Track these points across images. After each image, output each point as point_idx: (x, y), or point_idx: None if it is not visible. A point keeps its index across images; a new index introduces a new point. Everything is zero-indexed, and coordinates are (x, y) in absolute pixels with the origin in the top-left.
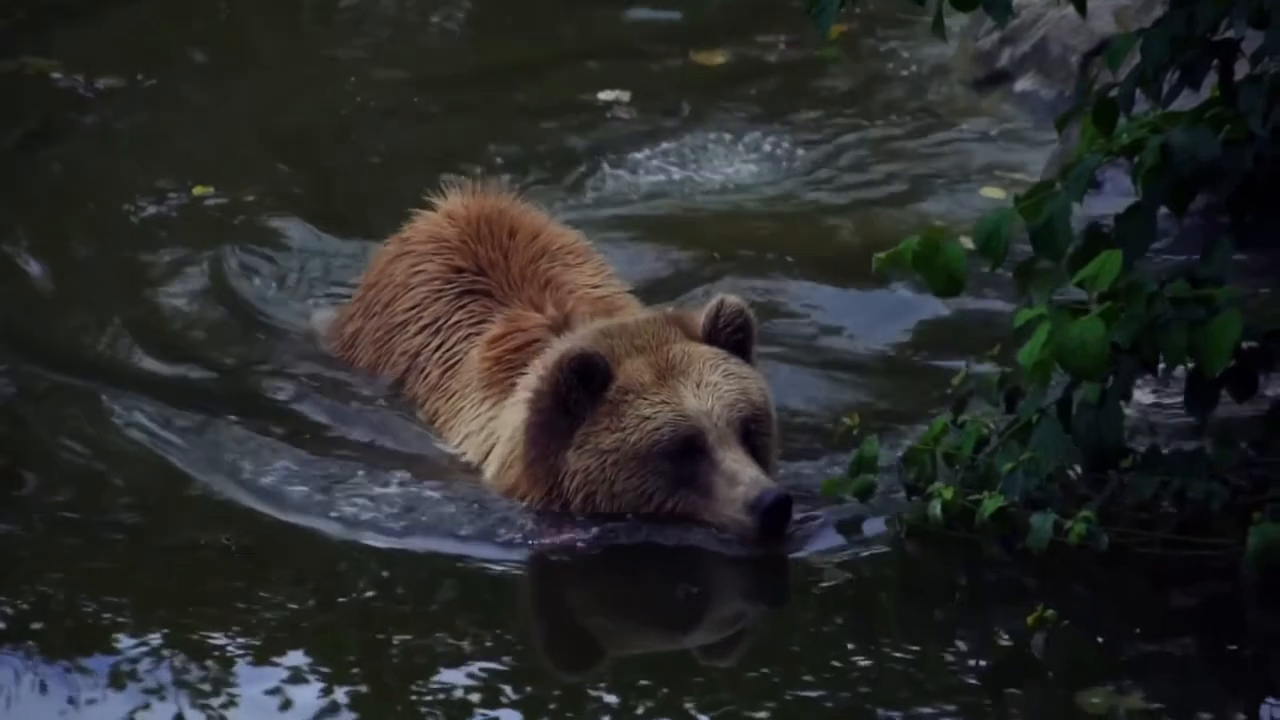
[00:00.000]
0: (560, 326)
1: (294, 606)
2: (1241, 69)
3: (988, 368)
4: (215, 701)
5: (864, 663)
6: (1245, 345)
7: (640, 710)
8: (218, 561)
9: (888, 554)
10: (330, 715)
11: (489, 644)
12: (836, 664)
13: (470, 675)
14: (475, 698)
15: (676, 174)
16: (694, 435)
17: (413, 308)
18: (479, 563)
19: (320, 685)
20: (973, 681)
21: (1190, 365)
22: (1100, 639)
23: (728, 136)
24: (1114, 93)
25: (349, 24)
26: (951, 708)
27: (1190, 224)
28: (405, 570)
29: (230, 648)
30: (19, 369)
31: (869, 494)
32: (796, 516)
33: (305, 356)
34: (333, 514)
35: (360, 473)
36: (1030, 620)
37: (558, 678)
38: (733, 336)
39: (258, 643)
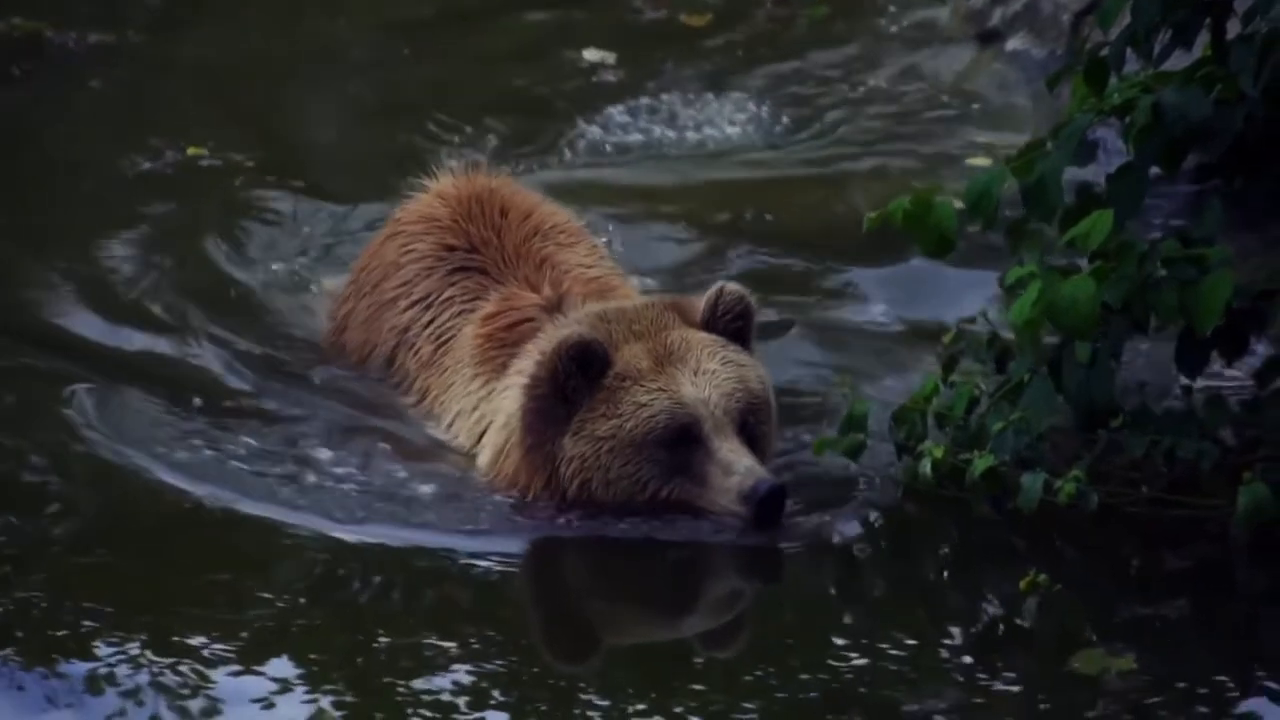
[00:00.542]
0: (555, 307)
1: (280, 606)
2: (1233, 29)
3: (978, 327)
4: (195, 705)
5: (856, 625)
6: (1236, 305)
7: (631, 691)
8: (200, 560)
9: (878, 518)
10: (316, 718)
11: (475, 644)
12: (827, 630)
13: (457, 676)
14: (462, 701)
15: (660, 133)
16: (690, 423)
17: (403, 284)
18: (465, 557)
19: (304, 688)
20: (964, 645)
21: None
22: (1091, 600)
23: (711, 96)
24: (1105, 52)
25: None
26: (944, 672)
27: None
28: (392, 567)
29: (212, 649)
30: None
31: (859, 453)
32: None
33: (294, 343)
34: (315, 509)
35: (346, 467)
36: (1023, 584)
37: (548, 673)
38: (732, 324)
39: (241, 644)
